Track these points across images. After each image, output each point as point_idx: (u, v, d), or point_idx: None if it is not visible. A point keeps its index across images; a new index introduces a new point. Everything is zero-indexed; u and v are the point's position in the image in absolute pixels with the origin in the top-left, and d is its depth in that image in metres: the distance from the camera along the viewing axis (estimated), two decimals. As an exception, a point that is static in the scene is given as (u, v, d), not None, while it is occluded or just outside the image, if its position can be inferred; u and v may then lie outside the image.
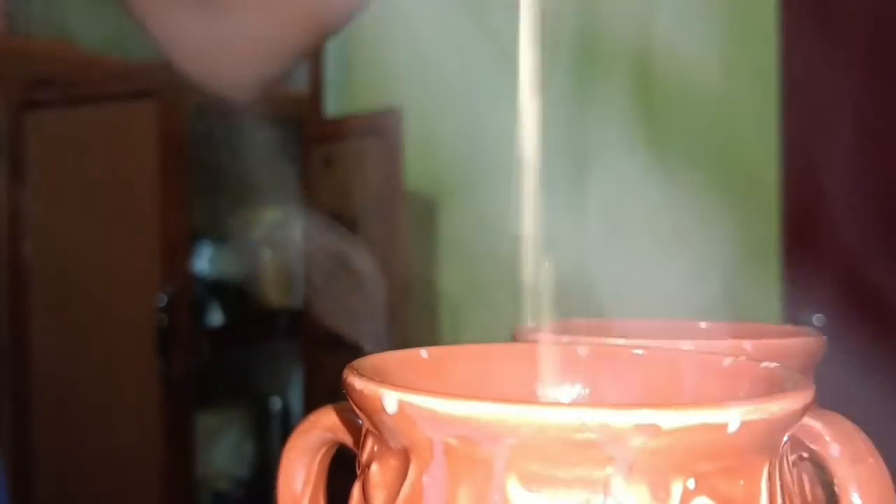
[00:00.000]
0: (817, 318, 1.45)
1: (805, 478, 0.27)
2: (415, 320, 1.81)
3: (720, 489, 0.19)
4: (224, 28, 0.56)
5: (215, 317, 2.04)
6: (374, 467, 0.22)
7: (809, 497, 0.27)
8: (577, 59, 1.62)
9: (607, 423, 0.18)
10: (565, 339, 0.28)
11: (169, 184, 1.69)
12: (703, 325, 0.33)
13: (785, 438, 0.21)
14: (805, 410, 0.20)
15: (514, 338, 0.30)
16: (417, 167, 1.83)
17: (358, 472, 0.23)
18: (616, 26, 1.52)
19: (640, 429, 0.18)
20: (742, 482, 0.20)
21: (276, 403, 2.12)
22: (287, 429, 2.07)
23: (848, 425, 0.22)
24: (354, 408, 0.22)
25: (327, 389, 1.85)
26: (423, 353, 0.26)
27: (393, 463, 0.21)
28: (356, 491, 0.23)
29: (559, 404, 0.19)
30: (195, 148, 1.71)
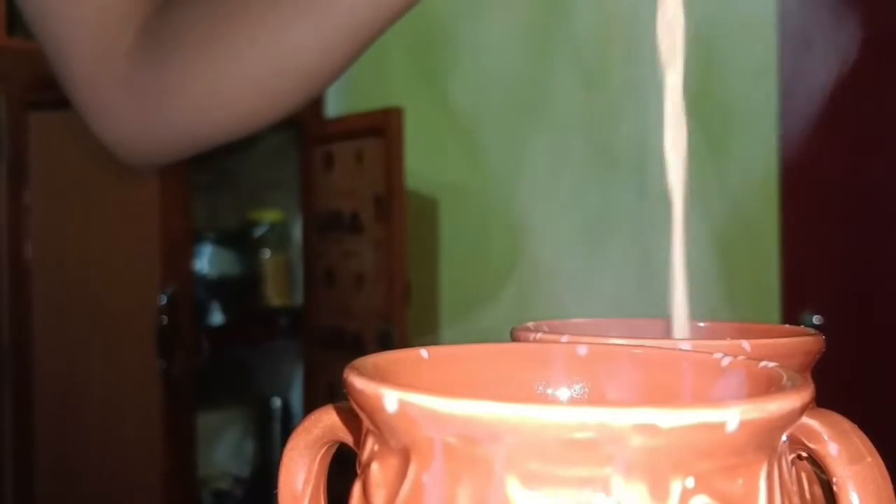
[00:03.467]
0: (816, 318, 1.45)
1: (804, 476, 0.27)
2: (415, 320, 1.82)
3: (719, 488, 0.19)
4: (149, 123, 0.57)
5: (216, 316, 2.04)
6: (375, 466, 0.22)
7: (808, 496, 0.27)
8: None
9: (606, 422, 0.18)
10: (565, 338, 0.28)
11: (169, 183, 1.69)
12: (701, 324, 0.33)
13: (784, 437, 0.21)
14: (803, 409, 0.20)
15: (513, 338, 0.30)
16: (417, 167, 1.83)
17: (358, 472, 0.23)
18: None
19: (639, 428, 0.18)
20: (741, 481, 0.20)
21: (276, 403, 2.12)
22: (287, 428, 2.08)
23: (846, 424, 0.22)
24: (355, 407, 0.22)
25: (327, 389, 1.86)
26: (423, 353, 0.26)
27: (393, 462, 0.21)
28: (357, 490, 0.23)
29: (559, 404, 0.19)
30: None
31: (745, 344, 0.27)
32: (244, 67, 0.53)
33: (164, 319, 1.68)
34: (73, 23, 0.55)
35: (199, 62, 0.53)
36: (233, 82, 0.53)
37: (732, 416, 0.19)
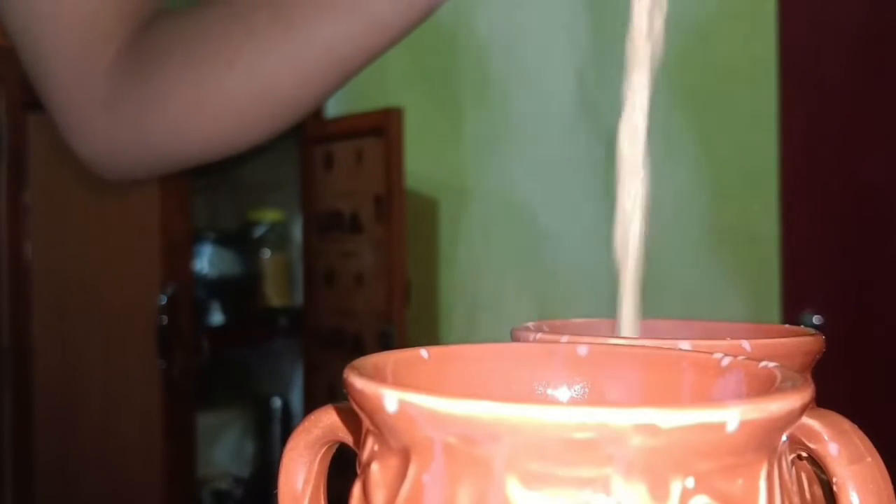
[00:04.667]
0: (816, 318, 1.45)
1: (804, 477, 0.27)
2: (415, 320, 1.81)
3: (719, 488, 0.19)
4: (125, 140, 0.57)
5: (216, 316, 2.04)
6: (375, 466, 0.22)
7: (808, 496, 0.27)
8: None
9: (606, 422, 0.18)
10: (565, 339, 0.28)
11: (169, 183, 1.69)
12: (701, 324, 0.33)
13: (784, 437, 0.21)
14: (804, 410, 0.20)
15: (513, 338, 0.30)
16: (417, 167, 1.83)
17: (358, 472, 0.23)
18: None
19: (639, 428, 0.18)
20: (741, 481, 0.20)
21: (276, 403, 2.12)
22: (287, 428, 2.08)
23: (846, 424, 0.22)
24: (355, 407, 0.22)
25: (327, 389, 1.86)
26: (423, 353, 0.26)
27: (393, 462, 0.21)
28: (356, 490, 0.23)
29: (559, 404, 0.19)
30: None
31: (745, 344, 0.27)
32: (221, 92, 0.53)
33: (164, 319, 1.68)
34: (53, 41, 0.56)
35: (178, 85, 0.54)
36: (210, 107, 0.53)
37: (732, 416, 0.19)
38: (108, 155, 0.58)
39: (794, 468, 0.23)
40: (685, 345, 0.27)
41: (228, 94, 0.53)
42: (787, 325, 0.32)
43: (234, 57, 0.52)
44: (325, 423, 0.27)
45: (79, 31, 0.55)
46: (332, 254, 1.90)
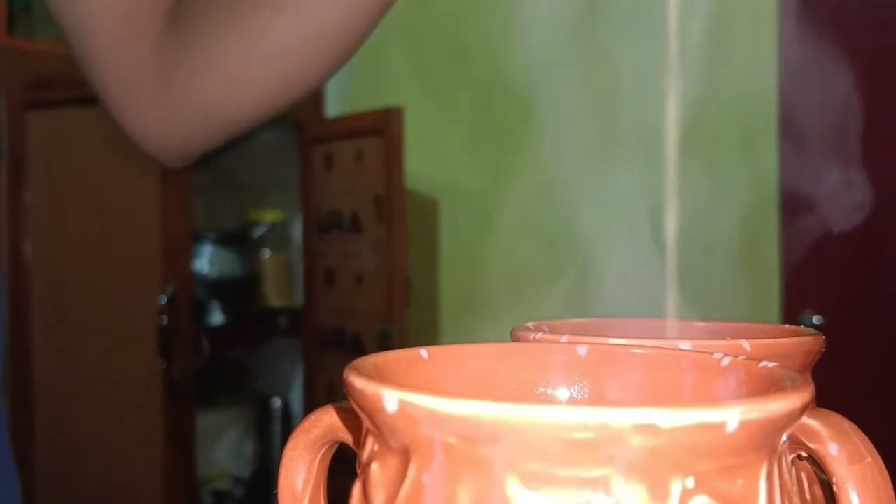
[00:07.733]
0: (816, 318, 1.45)
1: (804, 477, 0.27)
2: (415, 320, 1.81)
3: (719, 488, 0.19)
4: (178, 110, 0.57)
5: (216, 316, 2.04)
6: (375, 466, 0.22)
7: (808, 496, 0.27)
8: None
9: (606, 422, 0.18)
10: (565, 339, 0.28)
11: (169, 183, 1.69)
12: (701, 324, 0.33)
13: (784, 437, 0.21)
14: (804, 410, 0.20)
15: (513, 338, 0.30)
16: (417, 167, 1.83)
17: (358, 472, 0.23)
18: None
19: (639, 428, 0.18)
20: (741, 481, 0.20)
21: (276, 403, 2.12)
22: (287, 428, 2.08)
23: (846, 424, 0.22)
24: (355, 407, 0.22)
25: (327, 389, 1.86)
26: (423, 353, 0.26)
27: (393, 462, 0.21)
28: (357, 490, 0.23)
29: (559, 404, 0.19)
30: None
31: (745, 344, 0.27)
32: (270, 39, 0.53)
33: (164, 319, 1.68)
34: (99, 14, 0.56)
35: (225, 40, 0.53)
36: (260, 56, 0.53)
37: (732, 416, 0.19)
38: (162, 130, 0.58)
39: (794, 468, 0.23)
40: (685, 345, 0.27)
41: (277, 39, 0.53)
42: (787, 325, 0.32)
43: (280, 1, 0.52)
44: (325, 423, 0.27)
45: (122, 8, 0.55)
46: (332, 254, 1.90)
